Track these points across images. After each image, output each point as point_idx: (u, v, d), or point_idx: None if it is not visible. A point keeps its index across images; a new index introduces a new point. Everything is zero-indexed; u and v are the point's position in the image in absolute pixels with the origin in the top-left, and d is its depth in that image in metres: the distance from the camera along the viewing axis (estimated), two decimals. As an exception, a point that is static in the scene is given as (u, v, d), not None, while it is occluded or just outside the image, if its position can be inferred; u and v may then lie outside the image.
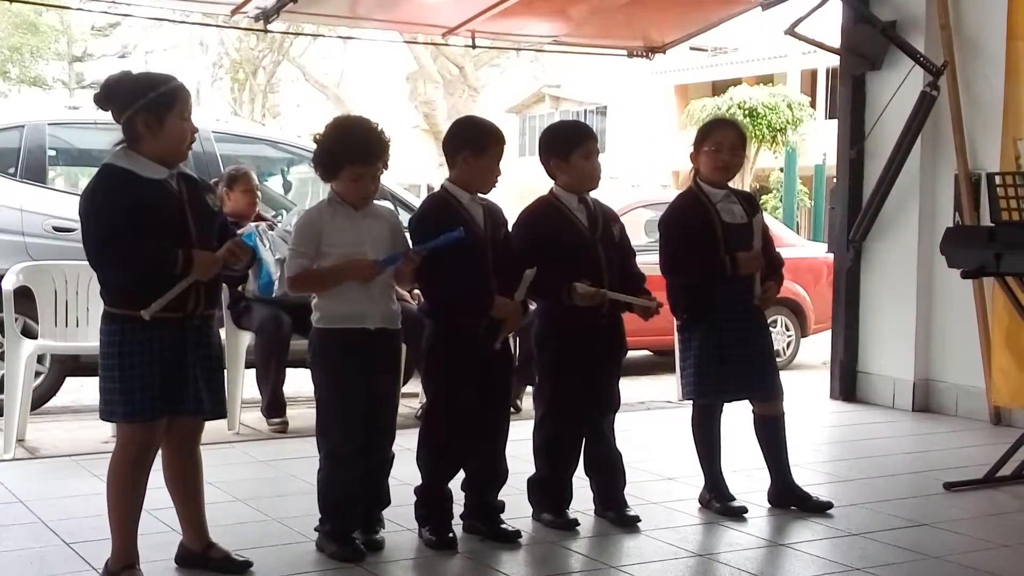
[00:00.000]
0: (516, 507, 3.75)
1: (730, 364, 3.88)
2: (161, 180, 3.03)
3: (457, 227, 3.35)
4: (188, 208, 3.06)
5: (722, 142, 3.90)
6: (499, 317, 3.47)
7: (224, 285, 5.23)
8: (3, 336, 5.15)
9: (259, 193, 5.90)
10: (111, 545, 3.13)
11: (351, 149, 3.33)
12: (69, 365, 6.00)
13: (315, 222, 3.39)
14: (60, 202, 5.98)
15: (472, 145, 3.54)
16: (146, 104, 2.98)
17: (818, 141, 22.37)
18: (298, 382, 5.95)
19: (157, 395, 3.01)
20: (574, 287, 3.57)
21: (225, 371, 3.30)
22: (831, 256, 6.86)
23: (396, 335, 3.48)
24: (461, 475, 3.66)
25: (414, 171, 25.32)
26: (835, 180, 6.68)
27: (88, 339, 5.07)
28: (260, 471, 4.67)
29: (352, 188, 3.36)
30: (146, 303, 2.94)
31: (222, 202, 5.80)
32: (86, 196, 3.03)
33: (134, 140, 3.02)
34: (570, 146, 3.72)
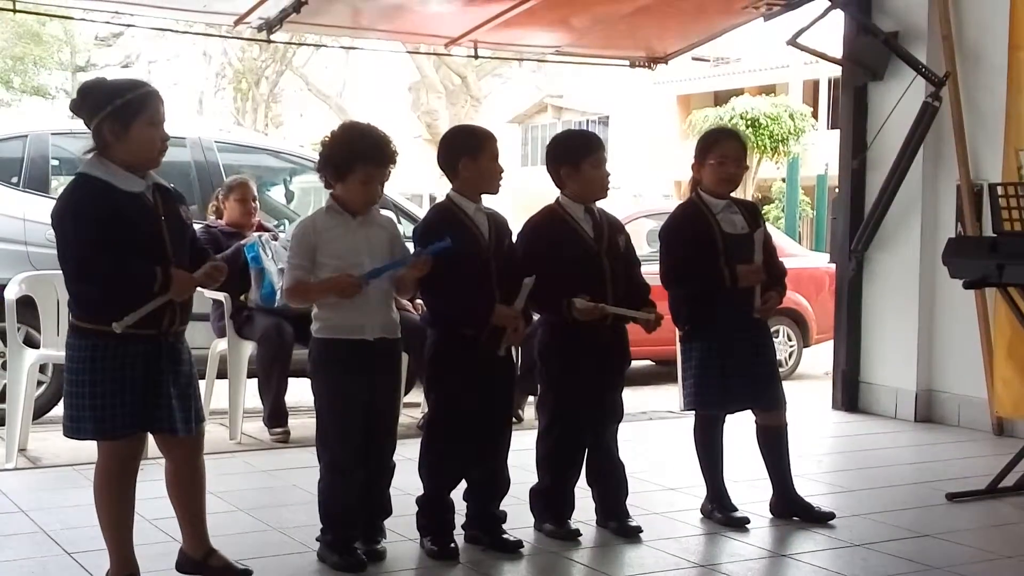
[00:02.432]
0: (518, 517, 3.75)
1: (732, 375, 3.87)
2: (138, 193, 2.99)
3: (445, 237, 3.34)
4: (164, 222, 3.02)
5: (727, 154, 3.90)
6: (499, 325, 3.47)
7: (227, 295, 5.25)
8: (5, 346, 5.15)
9: (256, 203, 5.91)
10: (109, 557, 3.11)
11: (365, 150, 3.33)
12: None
13: (310, 232, 3.37)
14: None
15: (467, 150, 3.55)
16: (113, 111, 2.95)
17: (820, 151, 22.40)
18: (300, 392, 5.94)
19: (129, 411, 2.97)
20: (572, 303, 3.57)
21: (198, 385, 3.21)
22: (833, 266, 6.85)
23: (396, 344, 3.48)
24: (463, 485, 3.66)
25: (416, 181, 25.36)
26: (837, 190, 6.68)
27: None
28: (261, 481, 4.67)
29: (361, 191, 3.35)
30: (118, 317, 2.90)
31: (219, 211, 5.82)
32: (61, 205, 2.97)
33: (104, 147, 2.98)
34: (581, 154, 3.73)
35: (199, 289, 3.21)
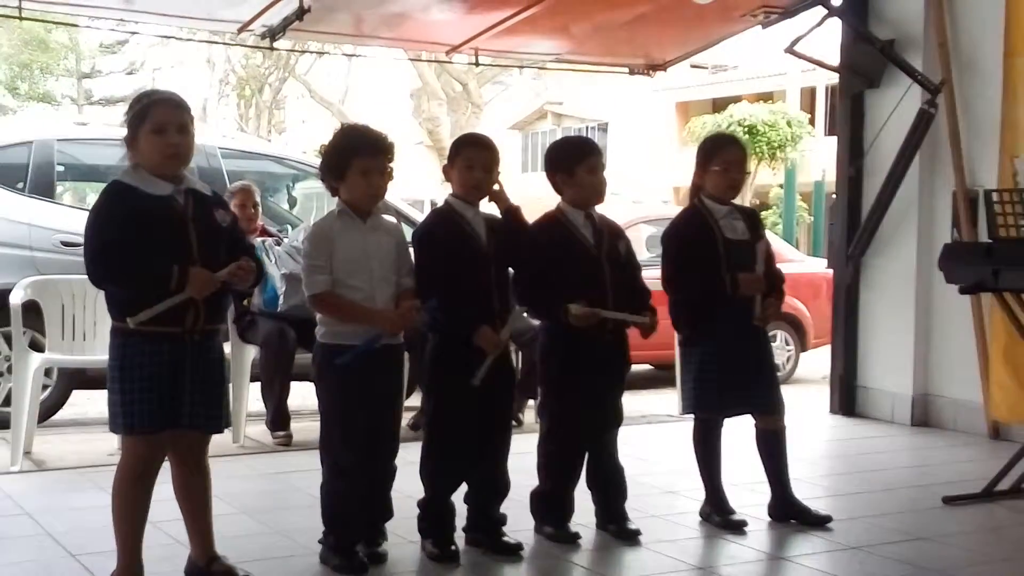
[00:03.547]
0: (518, 520, 3.77)
1: (730, 379, 3.90)
2: (165, 196, 3.06)
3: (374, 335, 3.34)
4: (191, 224, 3.08)
5: (731, 160, 3.94)
6: (480, 347, 3.48)
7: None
8: (11, 349, 5.19)
9: (258, 209, 5.95)
10: (116, 558, 3.14)
11: (357, 144, 3.38)
12: (76, 378, 6.04)
13: (326, 234, 3.40)
14: (68, 217, 6.03)
15: (449, 155, 3.63)
16: (128, 122, 3.09)
17: (817, 158, 22.42)
18: (302, 395, 5.98)
19: (155, 408, 3.03)
20: (568, 308, 3.60)
21: (228, 385, 3.31)
22: (830, 272, 6.89)
23: (399, 349, 3.51)
24: (464, 488, 3.69)
25: (418, 187, 25.39)
26: (834, 196, 6.72)
27: (94, 353, 5.12)
28: (264, 484, 4.70)
29: (362, 183, 3.37)
30: (135, 314, 2.97)
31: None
32: (90, 211, 3.10)
33: (131, 155, 3.10)
34: (575, 160, 3.76)
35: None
